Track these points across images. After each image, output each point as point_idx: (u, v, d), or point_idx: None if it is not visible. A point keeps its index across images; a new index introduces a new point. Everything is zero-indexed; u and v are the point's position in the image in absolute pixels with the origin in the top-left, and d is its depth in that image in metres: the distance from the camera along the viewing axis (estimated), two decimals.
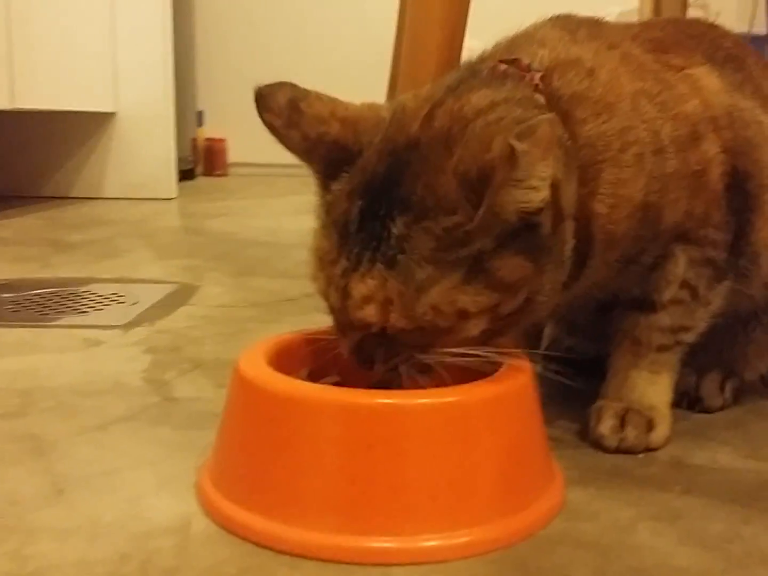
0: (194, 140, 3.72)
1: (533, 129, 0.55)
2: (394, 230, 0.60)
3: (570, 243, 0.66)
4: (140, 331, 1.15)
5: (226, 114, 3.75)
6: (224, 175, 3.83)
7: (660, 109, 0.71)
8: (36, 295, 1.38)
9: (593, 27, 0.76)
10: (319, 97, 0.67)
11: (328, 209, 0.65)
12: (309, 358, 0.72)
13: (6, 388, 0.91)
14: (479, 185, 0.57)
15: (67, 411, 0.84)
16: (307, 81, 0.68)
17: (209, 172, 3.80)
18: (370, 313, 0.61)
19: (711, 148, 0.73)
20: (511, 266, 0.60)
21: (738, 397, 0.88)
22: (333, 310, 0.64)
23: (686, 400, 0.86)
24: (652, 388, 0.78)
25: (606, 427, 0.75)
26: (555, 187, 0.60)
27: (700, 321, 0.78)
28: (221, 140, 3.82)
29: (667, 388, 0.79)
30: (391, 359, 0.63)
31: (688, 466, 0.73)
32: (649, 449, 0.76)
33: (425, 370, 0.64)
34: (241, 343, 0.88)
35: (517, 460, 0.63)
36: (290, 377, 0.63)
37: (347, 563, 0.56)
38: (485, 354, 0.64)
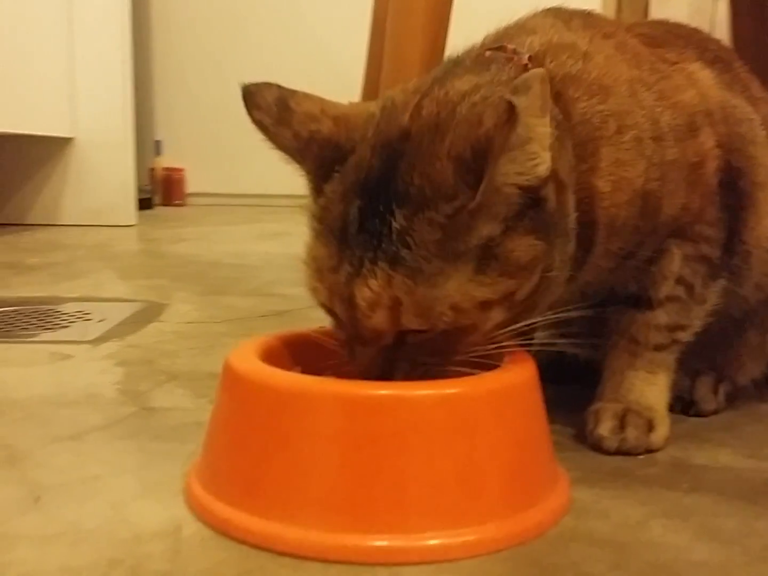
0: (152, 170, 3.67)
1: (528, 84, 0.53)
2: (395, 225, 0.56)
3: (573, 215, 0.64)
4: (110, 346, 1.11)
5: (185, 144, 3.72)
6: (182, 204, 3.77)
7: (658, 98, 0.71)
8: None
9: (587, 17, 0.76)
10: (307, 95, 0.64)
11: (322, 214, 0.61)
12: (300, 357, 0.69)
13: None
14: (475, 163, 0.55)
15: (39, 421, 0.80)
16: None
17: (167, 201, 3.74)
18: (380, 320, 0.57)
19: (707, 141, 0.72)
20: (523, 247, 0.58)
21: (731, 401, 0.86)
22: (341, 324, 0.61)
23: (680, 403, 0.84)
24: (650, 388, 0.76)
25: (606, 428, 0.73)
26: (552, 158, 0.59)
27: (696, 319, 0.77)
28: (179, 170, 3.77)
29: (664, 389, 0.77)
30: (414, 371, 0.60)
31: (690, 466, 0.71)
32: (649, 450, 0.74)
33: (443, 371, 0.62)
34: (217, 356, 0.84)
35: (524, 455, 0.60)
36: (290, 372, 0.59)
37: (352, 563, 0.53)
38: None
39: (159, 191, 3.74)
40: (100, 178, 2.80)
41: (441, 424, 0.57)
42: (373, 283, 0.56)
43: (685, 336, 0.77)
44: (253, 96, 0.63)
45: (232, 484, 0.59)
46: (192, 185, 3.79)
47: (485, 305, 0.58)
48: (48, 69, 2.64)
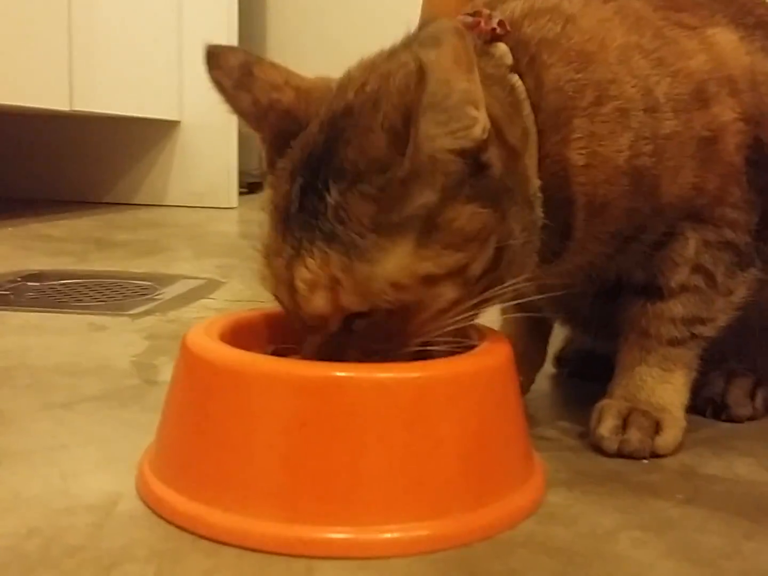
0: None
1: (437, 37, 0.48)
2: (330, 201, 0.53)
3: (534, 182, 0.59)
4: (148, 320, 1.11)
5: None
6: None
7: (656, 65, 0.64)
8: (61, 284, 1.36)
9: None
10: (273, 64, 0.62)
11: (271, 193, 0.58)
12: (274, 337, 0.66)
13: None
14: (405, 131, 0.51)
15: (40, 388, 0.80)
16: None
17: None
18: (319, 302, 0.53)
19: (725, 112, 0.64)
20: (466, 216, 0.53)
21: None
22: (287, 312, 0.57)
23: (711, 407, 0.77)
24: (663, 387, 0.69)
25: (606, 427, 0.67)
26: (496, 123, 0.54)
27: (720, 313, 0.69)
28: None
29: (680, 388, 0.70)
30: (367, 360, 0.56)
31: (697, 475, 0.64)
32: (655, 455, 0.67)
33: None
34: None
35: (483, 450, 0.55)
36: (229, 347, 0.56)
37: (271, 553, 0.50)
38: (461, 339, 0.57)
39: None
40: (204, 161, 2.86)
41: (391, 409, 0.52)
42: (310, 263, 0.53)
43: (706, 330, 0.69)
44: (216, 56, 0.61)
45: (167, 460, 0.57)
46: None
47: (429, 280, 0.53)
48: (158, 53, 2.72)
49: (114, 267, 1.53)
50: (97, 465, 0.62)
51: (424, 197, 0.53)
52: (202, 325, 0.61)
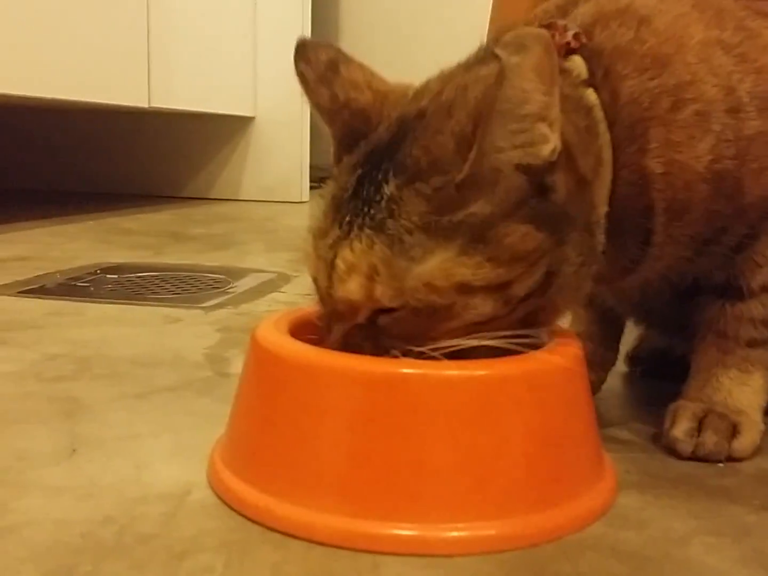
0: None
1: (523, 42, 0.48)
2: (386, 192, 0.53)
3: (600, 209, 0.58)
4: (221, 313, 1.13)
5: None
6: None
7: (738, 61, 0.62)
8: (138, 277, 1.39)
9: None
10: (361, 66, 0.62)
11: (331, 184, 0.59)
12: None
13: (68, 354, 0.90)
14: (474, 138, 0.51)
15: (116, 378, 0.83)
16: None
17: None
18: (353, 287, 0.53)
19: None
20: (519, 235, 0.52)
21: None
22: (321, 295, 0.57)
23: None
24: (741, 389, 0.67)
25: (680, 429, 0.65)
26: (569, 149, 0.53)
27: None
28: None
29: (759, 390, 0.68)
30: (381, 351, 0.55)
31: None
32: (731, 458, 0.65)
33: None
34: None
35: (551, 450, 0.54)
36: (298, 341, 0.57)
37: (337, 547, 0.50)
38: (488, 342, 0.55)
39: None
40: (277, 156, 2.90)
41: (458, 407, 0.52)
42: (356, 246, 0.53)
43: None
44: (305, 49, 0.62)
45: (239, 453, 0.57)
46: None
47: (464, 288, 0.52)
48: (233, 51, 2.76)
49: (189, 260, 1.57)
50: (169, 455, 0.64)
51: (479, 207, 0.52)
52: (271, 319, 0.62)
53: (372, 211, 0.53)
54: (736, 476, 0.63)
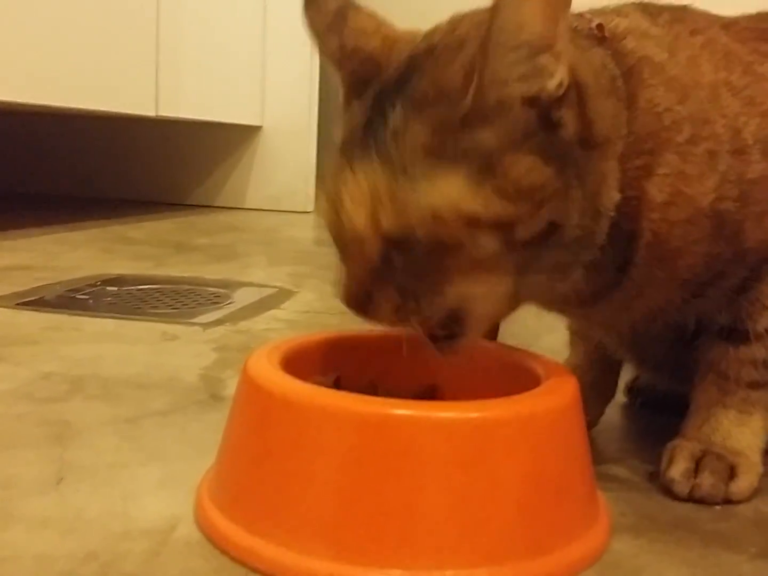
0: None
1: None
2: (390, 122, 0.53)
3: (613, 194, 0.57)
4: (219, 330, 1.13)
5: None
6: None
7: (745, 104, 0.61)
8: (138, 290, 1.39)
9: (678, 12, 0.66)
10: (370, 14, 0.61)
11: (343, 129, 0.58)
12: (337, 363, 0.66)
13: (63, 373, 0.89)
14: (479, 58, 0.50)
15: (108, 400, 0.82)
16: None
17: None
18: (360, 219, 0.53)
19: None
20: (525, 166, 0.51)
21: None
22: (333, 238, 0.57)
23: None
24: (740, 429, 0.66)
25: (677, 470, 0.64)
26: (581, 89, 0.53)
27: None
28: None
29: (758, 432, 0.66)
30: (398, 302, 0.55)
31: None
32: (728, 501, 0.64)
33: (443, 337, 0.57)
34: None
35: (544, 495, 0.53)
36: (290, 377, 0.56)
37: None
38: None
39: None
40: (283, 166, 2.90)
41: (449, 450, 0.51)
42: (361, 177, 0.53)
43: None
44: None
45: (226, 488, 0.56)
46: None
47: (472, 222, 0.51)
48: (242, 60, 2.76)
49: (190, 272, 1.56)
50: (157, 486, 0.63)
51: (485, 137, 0.51)
52: (265, 349, 0.61)
53: (377, 142, 0.53)
54: (733, 520, 0.62)
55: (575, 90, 0.53)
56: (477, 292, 0.55)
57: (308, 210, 2.85)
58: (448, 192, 0.51)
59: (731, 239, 0.61)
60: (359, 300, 0.56)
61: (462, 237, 0.52)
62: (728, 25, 0.68)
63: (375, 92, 0.56)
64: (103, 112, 2.16)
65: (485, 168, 0.51)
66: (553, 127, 0.52)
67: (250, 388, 0.57)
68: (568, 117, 0.53)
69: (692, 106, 0.59)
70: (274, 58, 2.84)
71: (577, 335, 0.80)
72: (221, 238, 2.14)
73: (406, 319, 0.55)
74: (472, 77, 0.51)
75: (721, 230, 0.60)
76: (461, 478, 0.51)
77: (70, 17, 1.91)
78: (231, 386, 0.86)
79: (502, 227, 0.52)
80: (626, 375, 0.86)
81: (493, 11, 0.49)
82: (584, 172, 0.54)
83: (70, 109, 2.07)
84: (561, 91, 0.52)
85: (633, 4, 0.67)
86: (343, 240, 0.56)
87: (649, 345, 0.71)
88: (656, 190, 0.58)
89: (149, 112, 2.27)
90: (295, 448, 0.52)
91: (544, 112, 0.52)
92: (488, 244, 0.52)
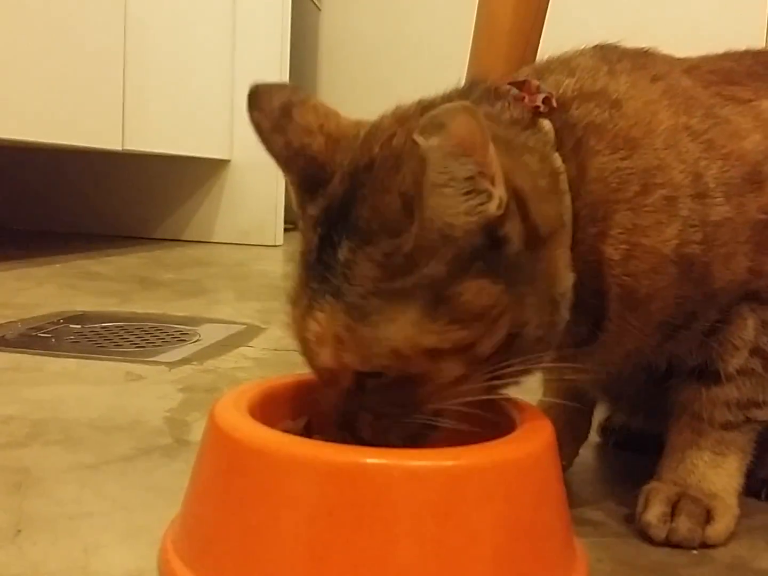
0: None
1: (440, 121, 0.46)
2: (340, 257, 0.52)
3: (566, 277, 0.56)
4: (185, 369, 1.10)
5: None
6: None
7: (706, 148, 0.61)
8: (102, 327, 1.36)
9: (639, 57, 0.67)
10: (315, 107, 0.60)
11: (300, 241, 0.58)
12: (307, 406, 0.64)
13: (22, 417, 0.87)
14: (417, 200, 0.50)
15: (69, 445, 0.79)
16: None
17: None
18: (326, 357, 0.53)
19: None
20: (474, 291, 0.51)
21: None
22: (306, 362, 0.57)
23: (766, 488, 0.72)
24: (715, 471, 0.65)
25: (653, 514, 0.63)
26: (520, 194, 0.52)
27: None
28: None
29: (734, 473, 0.66)
30: (378, 423, 0.54)
31: (749, 570, 0.60)
32: (705, 545, 0.63)
33: (423, 433, 0.56)
34: None
35: (520, 544, 0.52)
36: (258, 423, 0.54)
37: None
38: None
39: None
40: (252, 199, 2.88)
41: (421, 500, 0.50)
42: (320, 316, 0.52)
43: (762, 414, 0.65)
44: (258, 97, 0.61)
45: (191, 540, 0.54)
46: None
47: (434, 354, 0.51)
48: (210, 98, 2.75)
49: (156, 309, 1.54)
50: (120, 537, 0.60)
51: (431, 269, 0.51)
52: (232, 395, 0.59)
53: (331, 277, 0.52)
54: (709, 564, 0.61)
55: (514, 199, 0.52)
56: (452, 403, 0.54)
57: (277, 244, 2.84)
58: (404, 328, 0.51)
59: (700, 281, 0.61)
60: (341, 424, 0.55)
61: (425, 367, 0.52)
62: (691, 68, 0.68)
63: (323, 208, 0.56)
64: (68, 146, 2.13)
65: (437, 299, 0.51)
66: (499, 244, 0.52)
67: (217, 435, 0.55)
68: (512, 231, 0.52)
69: (641, 158, 0.59)
70: (243, 91, 2.81)
71: (551, 375, 0.79)
72: (188, 272, 2.12)
73: (386, 436, 0.55)
74: (411, 206, 0.50)
75: (689, 273, 0.60)
76: (436, 528, 0.49)
77: (35, 51, 1.89)
78: (197, 430, 0.85)
79: (462, 350, 0.52)
80: (599, 414, 0.85)
81: (420, 165, 0.48)
82: (534, 272, 0.54)
83: (36, 143, 2.04)
84: (502, 210, 0.51)
85: (593, 48, 0.67)
86: (315, 368, 0.56)
87: (623, 386, 0.71)
88: (612, 250, 0.59)
89: (115, 146, 2.25)
90: (264, 498, 0.50)
91: (488, 232, 0.51)
92: (452, 368, 0.52)
